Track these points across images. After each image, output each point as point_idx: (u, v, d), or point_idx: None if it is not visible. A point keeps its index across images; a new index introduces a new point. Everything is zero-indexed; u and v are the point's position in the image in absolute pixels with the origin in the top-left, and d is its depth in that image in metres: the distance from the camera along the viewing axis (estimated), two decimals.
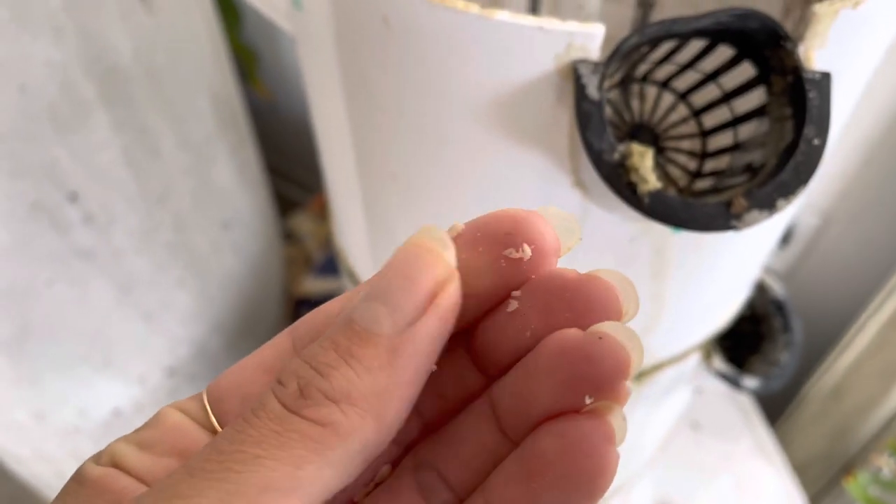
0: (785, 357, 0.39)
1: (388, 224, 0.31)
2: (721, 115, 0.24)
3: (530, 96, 0.22)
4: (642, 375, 0.36)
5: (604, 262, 0.27)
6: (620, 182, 0.20)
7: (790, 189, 0.20)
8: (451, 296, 0.17)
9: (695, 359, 0.38)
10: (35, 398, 0.88)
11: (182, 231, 0.85)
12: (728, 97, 0.24)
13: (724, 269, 0.30)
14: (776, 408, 0.96)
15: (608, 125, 0.19)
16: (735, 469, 0.78)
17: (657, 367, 0.36)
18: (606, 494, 0.52)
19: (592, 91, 0.20)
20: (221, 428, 0.20)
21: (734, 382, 0.38)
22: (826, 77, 0.22)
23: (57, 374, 0.85)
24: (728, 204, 0.20)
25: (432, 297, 0.16)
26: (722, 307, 0.34)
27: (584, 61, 0.21)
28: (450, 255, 0.17)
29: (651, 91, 0.25)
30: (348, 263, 0.39)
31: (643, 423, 0.41)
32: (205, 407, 0.20)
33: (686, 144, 0.25)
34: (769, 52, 0.23)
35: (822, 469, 0.93)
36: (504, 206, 0.26)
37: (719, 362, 0.37)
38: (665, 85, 0.25)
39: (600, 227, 0.26)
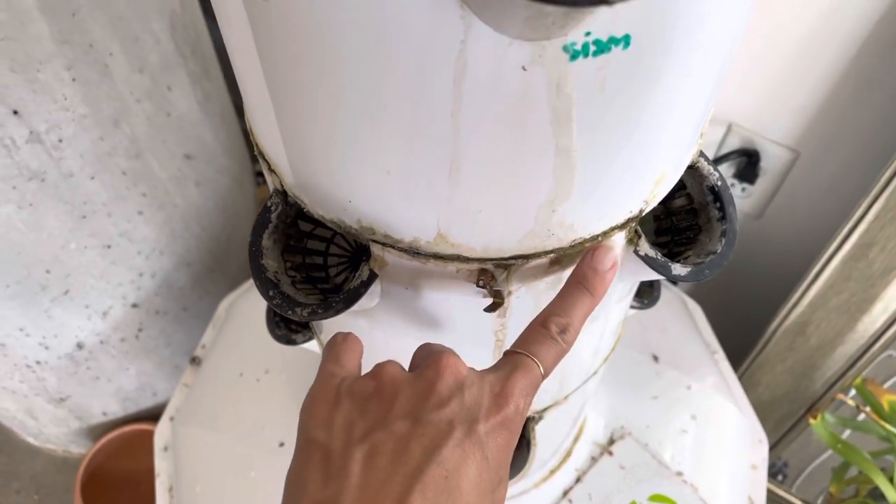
0: (720, 247, 0.37)
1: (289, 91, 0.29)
2: None
3: None
4: (563, 256, 0.35)
5: (496, 101, 0.25)
6: None
7: None
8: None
9: (620, 241, 0.36)
10: None
11: (139, 158, 0.83)
12: None
13: (637, 117, 0.28)
14: (744, 347, 0.95)
15: None
16: (695, 404, 0.77)
17: (577, 247, 0.34)
18: (554, 401, 0.50)
19: None
20: None
21: (664, 270, 0.36)
22: None
23: (14, 302, 0.84)
24: None
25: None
26: (646, 172, 0.32)
27: None
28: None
29: None
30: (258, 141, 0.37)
31: None
32: None
33: None
34: None
35: (788, 409, 0.92)
36: (367, 22, 0.24)
37: (647, 246, 0.36)
38: None
39: (486, 49, 0.23)
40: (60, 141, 0.73)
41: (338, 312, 0.35)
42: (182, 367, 1.12)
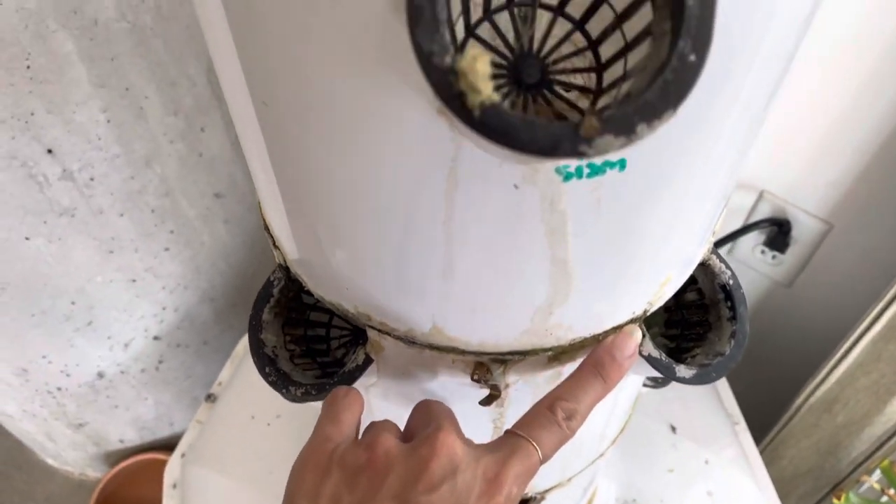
0: (729, 348, 0.36)
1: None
2: (616, 42, 0.22)
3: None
4: (562, 354, 0.34)
5: (488, 214, 0.24)
6: (450, 91, 0.17)
7: (654, 112, 0.17)
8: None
9: None
10: (17, 355, 0.88)
11: (169, 196, 0.84)
12: (620, 19, 0.21)
13: (636, 230, 0.27)
14: (769, 418, 0.92)
15: (444, 23, 0.17)
16: (712, 479, 0.74)
17: (578, 346, 0.33)
18: (558, 483, 0.49)
19: None
20: None
21: (668, 372, 0.35)
22: None
23: (38, 331, 0.85)
24: (577, 125, 0.17)
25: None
26: (649, 277, 0.31)
27: None
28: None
29: (543, 17, 0.23)
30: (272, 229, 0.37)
31: None
32: None
33: (579, 79, 0.23)
34: None
35: (811, 486, 0.88)
36: (361, 138, 0.24)
37: (650, 346, 0.34)
38: (560, 10, 0.22)
39: (477, 169, 0.23)
40: (92, 179, 0.75)
41: None
42: (200, 398, 1.13)
